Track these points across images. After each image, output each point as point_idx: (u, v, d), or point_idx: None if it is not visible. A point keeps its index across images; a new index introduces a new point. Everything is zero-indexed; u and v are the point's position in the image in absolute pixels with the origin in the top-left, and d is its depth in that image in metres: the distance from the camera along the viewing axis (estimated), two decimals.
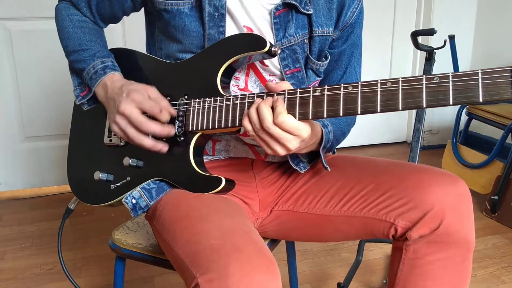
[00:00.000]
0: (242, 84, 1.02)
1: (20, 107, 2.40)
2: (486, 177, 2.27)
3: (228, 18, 0.98)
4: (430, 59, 1.70)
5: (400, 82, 0.77)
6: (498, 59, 2.87)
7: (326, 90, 0.83)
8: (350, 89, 0.81)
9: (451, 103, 0.73)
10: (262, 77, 1.02)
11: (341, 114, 0.81)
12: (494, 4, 2.88)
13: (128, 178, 1.02)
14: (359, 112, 0.80)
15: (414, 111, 2.78)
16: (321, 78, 1.09)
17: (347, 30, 1.05)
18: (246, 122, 0.86)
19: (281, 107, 0.83)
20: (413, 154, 1.74)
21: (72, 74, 1.08)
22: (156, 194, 0.99)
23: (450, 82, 0.73)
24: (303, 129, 0.85)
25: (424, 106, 0.75)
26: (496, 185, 2.18)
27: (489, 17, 2.92)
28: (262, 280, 0.73)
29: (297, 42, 1.00)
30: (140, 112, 0.94)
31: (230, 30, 0.98)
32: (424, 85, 0.75)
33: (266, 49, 0.90)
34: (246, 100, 0.90)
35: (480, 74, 0.71)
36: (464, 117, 2.50)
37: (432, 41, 2.35)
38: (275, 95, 0.86)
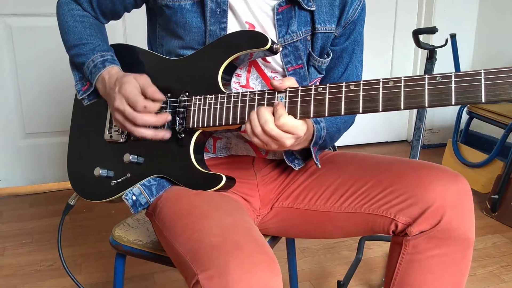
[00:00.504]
0: (244, 81, 1.02)
1: (21, 104, 2.40)
2: (487, 176, 2.27)
3: (230, 14, 0.98)
4: (431, 57, 1.70)
5: (402, 81, 0.76)
6: (499, 58, 2.86)
7: (327, 88, 0.83)
8: (352, 88, 0.80)
9: (453, 103, 0.73)
10: (263, 74, 1.02)
11: (342, 113, 0.81)
12: (495, 3, 2.88)
13: (128, 175, 1.02)
14: (360, 112, 0.80)
15: (415, 110, 2.77)
16: (322, 75, 1.09)
17: (349, 27, 1.05)
18: (247, 125, 0.87)
19: (282, 109, 0.84)
20: (414, 153, 1.74)
21: (73, 69, 1.08)
22: (156, 191, 0.99)
23: (453, 82, 0.73)
24: (301, 128, 0.85)
25: (426, 106, 0.75)
26: (496, 184, 2.18)
27: (490, 16, 2.92)
28: (262, 278, 0.73)
29: (299, 38, 1.00)
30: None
31: (232, 26, 0.98)
32: (426, 85, 0.75)
33: (268, 46, 0.90)
34: (247, 98, 0.89)
35: (483, 74, 0.71)
36: (465, 116, 2.50)
37: (434, 40, 2.34)
38: (276, 100, 0.86)
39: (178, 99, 0.98)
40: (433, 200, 0.91)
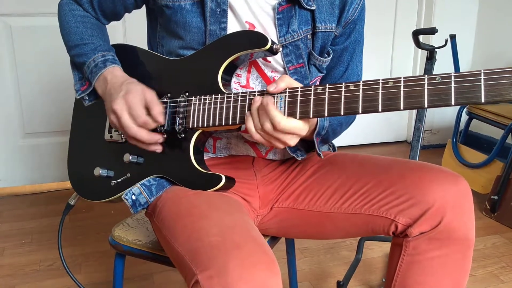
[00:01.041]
0: (244, 81, 1.02)
1: (20, 104, 2.40)
2: (486, 176, 2.27)
3: (230, 13, 0.98)
4: (431, 58, 1.70)
5: (402, 81, 0.76)
6: (499, 58, 2.87)
7: (327, 88, 0.83)
8: (352, 88, 0.80)
9: (452, 103, 0.73)
10: (263, 74, 1.02)
11: (342, 114, 0.81)
12: (495, 4, 2.88)
13: (128, 175, 1.02)
14: (360, 112, 0.80)
15: (414, 110, 2.77)
16: (323, 74, 1.09)
17: (349, 26, 1.05)
18: (249, 123, 0.87)
19: (279, 115, 0.84)
20: (413, 153, 1.74)
21: (73, 69, 1.08)
22: (156, 190, 0.99)
23: (452, 82, 0.73)
24: (303, 128, 0.86)
25: (426, 106, 0.75)
26: (496, 185, 2.18)
27: (490, 16, 2.92)
28: (262, 277, 0.73)
29: (300, 38, 1.00)
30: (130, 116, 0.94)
31: (232, 26, 0.98)
32: (426, 85, 0.75)
33: (268, 46, 0.90)
34: (247, 98, 0.89)
35: (482, 74, 0.71)
36: (464, 117, 2.50)
37: (433, 40, 2.34)
38: (275, 100, 0.86)
39: (178, 99, 0.98)
40: (433, 201, 0.91)
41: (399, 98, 0.76)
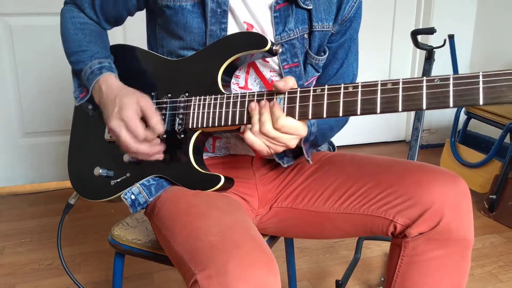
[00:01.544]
0: (242, 82, 1.02)
1: (20, 103, 2.40)
2: (484, 176, 2.28)
3: (229, 14, 0.98)
4: (429, 58, 1.70)
5: (401, 83, 0.76)
6: (497, 58, 2.87)
7: (326, 90, 0.83)
8: (350, 90, 0.81)
9: (451, 105, 0.73)
10: (262, 76, 1.02)
11: (340, 115, 0.81)
12: (494, 4, 2.88)
13: (128, 174, 1.02)
14: (358, 113, 0.80)
15: None
16: (319, 73, 1.09)
17: (345, 24, 1.05)
18: (247, 131, 0.87)
19: (279, 111, 0.84)
20: (412, 153, 1.74)
21: (73, 77, 1.07)
22: (155, 190, 1.00)
23: (451, 84, 0.72)
24: (302, 128, 0.86)
25: (424, 108, 0.75)
26: (494, 184, 2.19)
27: (489, 16, 2.92)
28: (261, 277, 0.73)
29: (296, 36, 1.00)
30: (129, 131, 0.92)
31: (231, 26, 0.98)
32: (424, 87, 0.74)
33: (267, 48, 0.90)
34: (247, 99, 0.90)
35: (481, 77, 0.71)
36: (463, 117, 2.51)
37: (432, 40, 2.35)
38: (274, 99, 0.86)
39: (178, 99, 0.98)
40: (432, 201, 0.91)
41: (397, 100, 0.76)
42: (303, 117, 0.84)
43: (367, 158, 1.08)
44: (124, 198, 0.99)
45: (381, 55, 3.06)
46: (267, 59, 1.01)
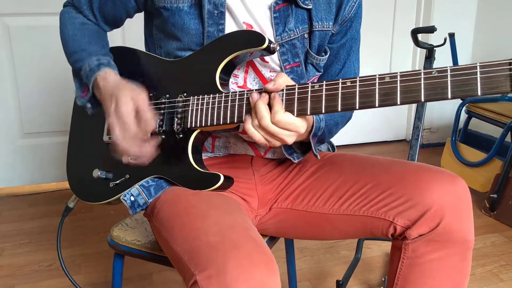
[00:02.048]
0: (241, 81, 1.02)
1: (19, 104, 2.39)
2: (485, 175, 2.27)
3: (227, 15, 0.98)
4: (430, 57, 1.70)
5: (399, 76, 0.77)
6: (498, 57, 2.83)
7: (324, 85, 0.83)
8: (349, 84, 0.81)
9: (449, 97, 0.73)
10: (261, 75, 1.02)
11: (339, 110, 0.82)
12: (494, 2, 2.88)
13: (127, 176, 1.02)
14: (357, 107, 0.80)
15: (414, 109, 2.77)
16: (321, 73, 1.09)
17: (345, 24, 1.05)
18: (247, 122, 0.87)
19: (278, 105, 0.84)
20: (413, 152, 1.74)
21: (74, 78, 1.06)
22: (154, 191, 0.99)
23: (449, 76, 0.73)
24: (300, 125, 0.86)
25: (423, 100, 0.75)
26: (495, 183, 2.18)
27: (489, 15, 2.92)
28: (260, 277, 0.73)
29: (296, 36, 1.00)
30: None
31: (230, 27, 0.98)
32: (422, 80, 0.75)
33: (265, 45, 0.90)
34: (245, 97, 0.89)
35: (478, 67, 0.71)
36: (463, 115, 2.50)
37: (432, 39, 2.34)
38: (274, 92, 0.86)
39: (176, 99, 0.98)
40: (432, 202, 0.91)
41: (396, 93, 0.77)
42: (302, 113, 0.84)
43: (367, 159, 1.07)
44: (124, 199, 0.98)
45: (381, 54, 3.06)
46: (267, 59, 1.00)
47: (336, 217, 1.01)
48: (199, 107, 0.95)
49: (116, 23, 1.12)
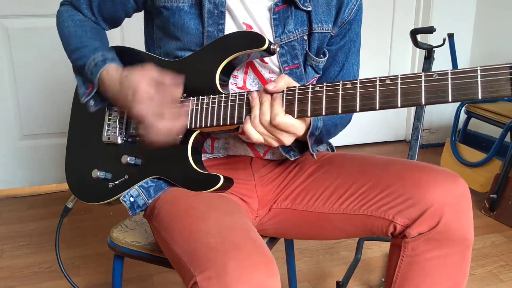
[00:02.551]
0: (241, 82, 1.02)
1: (18, 105, 2.39)
2: (485, 175, 2.27)
3: (227, 15, 0.97)
4: (429, 57, 1.70)
5: (399, 79, 0.77)
6: (497, 57, 2.87)
7: (324, 87, 0.83)
8: (349, 86, 0.81)
9: (450, 100, 0.73)
10: (260, 76, 1.02)
11: (340, 112, 0.81)
12: (493, 3, 2.88)
13: (126, 176, 1.02)
14: (357, 110, 0.80)
15: (413, 109, 2.77)
16: (320, 75, 1.09)
17: (345, 27, 1.05)
18: (246, 121, 0.87)
19: (279, 107, 0.84)
20: (412, 153, 1.74)
21: (76, 75, 1.06)
22: (154, 192, 0.99)
23: (449, 79, 0.73)
24: (300, 127, 0.86)
25: (423, 103, 0.75)
26: (494, 184, 2.18)
27: (488, 15, 2.92)
28: (260, 278, 0.73)
29: (296, 38, 1.00)
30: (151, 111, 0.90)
31: (229, 27, 0.98)
32: (423, 82, 0.75)
33: (265, 47, 0.90)
34: (245, 97, 0.89)
35: (479, 71, 0.71)
36: (463, 116, 2.51)
37: (431, 39, 2.35)
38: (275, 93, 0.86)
39: None
40: (431, 201, 0.91)
41: (396, 95, 0.77)
42: (302, 114, 0.84)
43: (367, 158, 1.07)
44: (123, 200, 0.98)
45: (381, 54, 3.06)
46: (266, 60, 1.00)
47: (335, 217, 1.01)
48: (199, 107, 0.94)
49: (115, 23, 1.11)
